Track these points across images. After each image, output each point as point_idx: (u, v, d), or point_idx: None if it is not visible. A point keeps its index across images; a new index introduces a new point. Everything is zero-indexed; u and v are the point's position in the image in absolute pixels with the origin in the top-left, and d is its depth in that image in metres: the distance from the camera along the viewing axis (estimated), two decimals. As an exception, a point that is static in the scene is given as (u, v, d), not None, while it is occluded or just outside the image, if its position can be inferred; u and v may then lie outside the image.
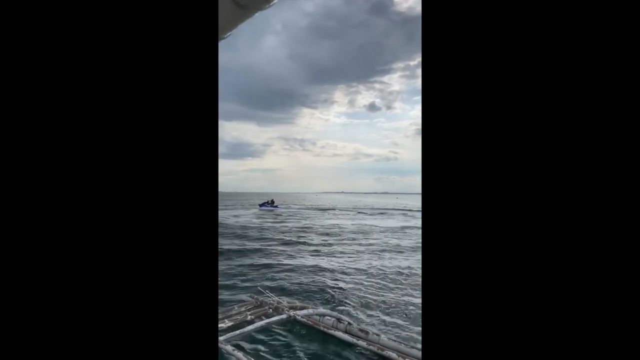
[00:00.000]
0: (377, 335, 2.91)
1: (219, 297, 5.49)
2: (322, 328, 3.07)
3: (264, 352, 3.36)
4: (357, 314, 4.19)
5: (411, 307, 4.49)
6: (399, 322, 4.01)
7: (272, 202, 28.39)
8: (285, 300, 3.59)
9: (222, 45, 1.39)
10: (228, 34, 1.31)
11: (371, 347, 2.74)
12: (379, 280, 6.12)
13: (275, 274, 6.45)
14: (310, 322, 3.12)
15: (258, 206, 28.09)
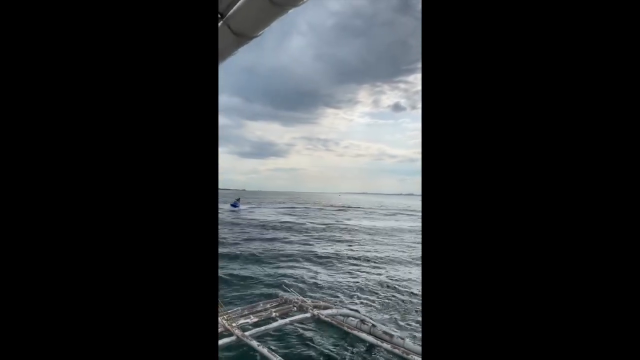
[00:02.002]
0: (402, 338, 2.86)
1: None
2: (345, 328, 3.05)
3: (287, 348, 3.39)
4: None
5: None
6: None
7: (239, 200, 31.39)
8: (309, 300, 3.60)
9: (249, 47, 1.40)
10: (261, 32, 1.33)
11: (395, 350, 2.70)
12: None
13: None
14: (334, 322, 3.11)
15: (230, 205, 29.49)
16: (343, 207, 38.25)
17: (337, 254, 9.78)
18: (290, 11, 1.21)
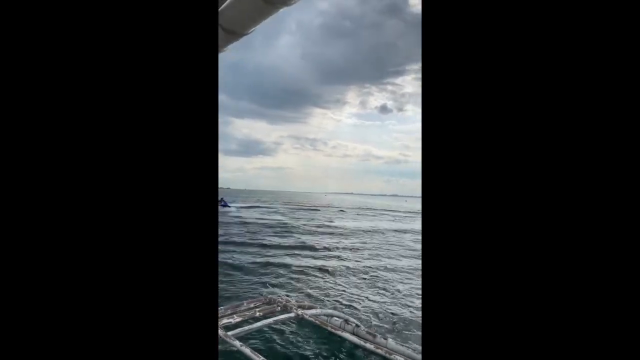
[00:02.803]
0: (385, 339, 2.88)
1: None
2: (329, 328, 3.06)
3: (271, 348, 3.37)
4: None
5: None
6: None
7: (222, 200, 29.67)
8: (293, 299, 3.59)
9: (237, 44, 1.39)
10: (251, 30, 1.31)
11: (378, 351, 2.72)
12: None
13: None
14: (317, 322, 3.11)
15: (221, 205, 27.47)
16: (320, 206, 39.24)
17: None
18: (281, 10, 1.20)
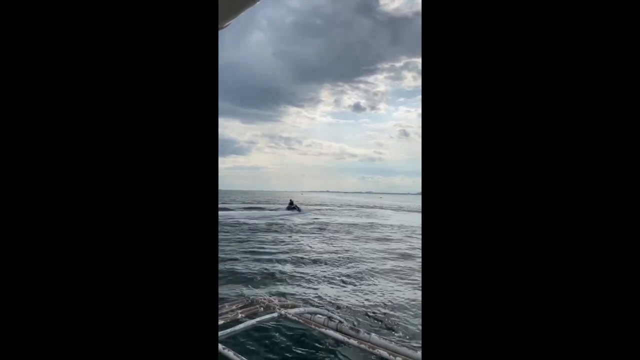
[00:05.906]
0: (368, 333, 2.91)
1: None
2: (313, 326, 3.05)
3: (255, 350, 3.32)
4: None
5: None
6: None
7: (292, 203, 25.86)
8: (276, 299, 3.56)
9: None
10: (228, 23, 1.27)
11: (362, 346, 2.75)
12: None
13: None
14: (301, 321, 3.09)
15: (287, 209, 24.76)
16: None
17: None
18: (258, 3, 1.17)
